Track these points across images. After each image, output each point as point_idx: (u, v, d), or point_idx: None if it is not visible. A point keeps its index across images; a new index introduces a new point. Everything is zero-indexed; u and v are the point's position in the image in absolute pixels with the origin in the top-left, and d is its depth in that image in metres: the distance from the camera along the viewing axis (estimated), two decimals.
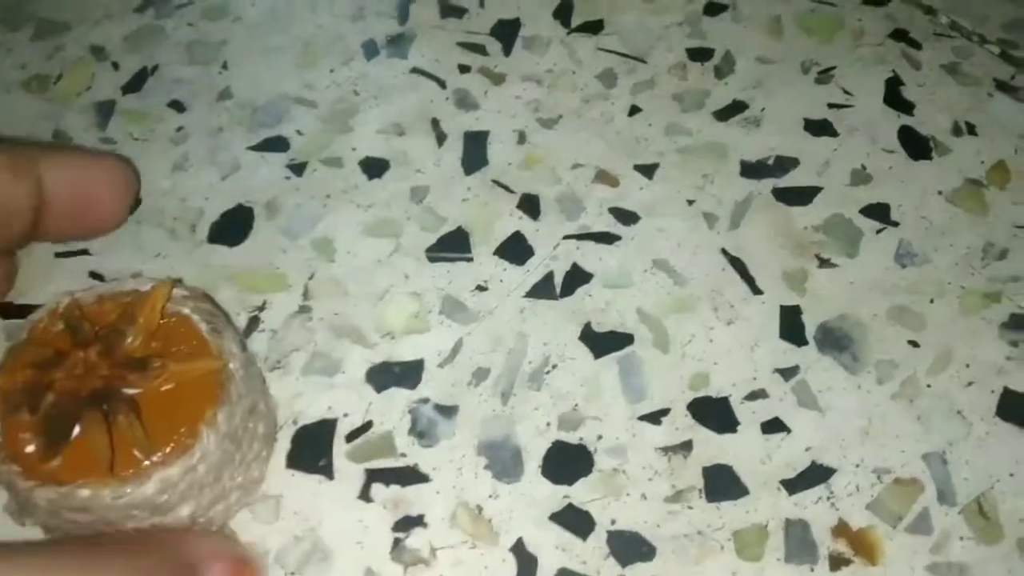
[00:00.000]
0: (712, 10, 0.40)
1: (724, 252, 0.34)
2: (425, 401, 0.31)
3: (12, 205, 0.27)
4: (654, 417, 0.30)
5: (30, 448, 0.25)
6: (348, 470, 0.30)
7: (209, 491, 0.26)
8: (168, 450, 0.25)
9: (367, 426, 0.30)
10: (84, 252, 0.34)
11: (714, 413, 0.30)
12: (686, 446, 0.30)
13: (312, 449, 0.30)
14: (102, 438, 0.25)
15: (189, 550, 0.23)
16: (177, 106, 0.38)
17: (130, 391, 0.26)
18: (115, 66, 0.39)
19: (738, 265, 0.33)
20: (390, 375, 0.31)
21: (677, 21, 0.40)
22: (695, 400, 0.31)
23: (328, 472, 0.29)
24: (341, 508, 0.29)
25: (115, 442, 0.25)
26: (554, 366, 0.31)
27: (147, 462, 0.25)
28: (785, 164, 0.36)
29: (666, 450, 0.30)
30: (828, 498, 0.29)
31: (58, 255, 0.34)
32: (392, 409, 0.31)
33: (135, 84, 0.38)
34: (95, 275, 0.34)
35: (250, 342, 0.32)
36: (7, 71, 0.39)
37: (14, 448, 0.25)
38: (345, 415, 0.31)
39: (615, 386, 0.31)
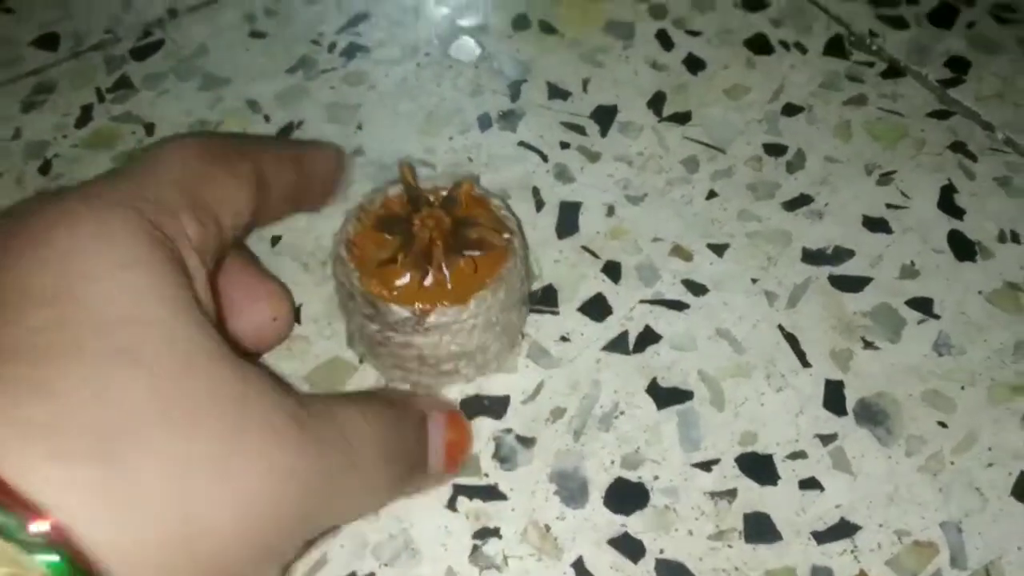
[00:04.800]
0: (789, 111, 0.45)
1: (780, 328, 0.38)
2: (509, 431, 0.36)
3: (239, 206, 0.28)
4: (706, 465, 0.35)
5: (402, 281, 0.35)
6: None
7: (478, 335, 0.35)
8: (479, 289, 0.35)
9: None
10: None
11: (759, 467, 0.35)
12: (731, 493, 0.34)
13: None
14: (448, 273, 0.35)
15: (420, 403, 0.30)
16: None
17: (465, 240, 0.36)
18: (266, 119, 0.46)
19: (792, 340, 0.38)
20: (480, 406, 0.36)
21: (757, 118, 0.45)
22: (743, 454, 0.35)
23: None
24: (430, 515, 0.34)
25: (452, 278, 0.35)
26: (622, 412, 0.36)
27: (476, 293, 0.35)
28: (842, 254, 0.40)
29: (713, 495, 0.34)
30: (852, 551, 0.33)
31: None
32: (480, 435, 0.36)
33: (283, 135, 0.45)
34: None
35: (363, 368, 0.37)
36: (175, 115, 0.46)
37: (387, 281, 0.35)
38: None
39: (673, 435, 0.35)
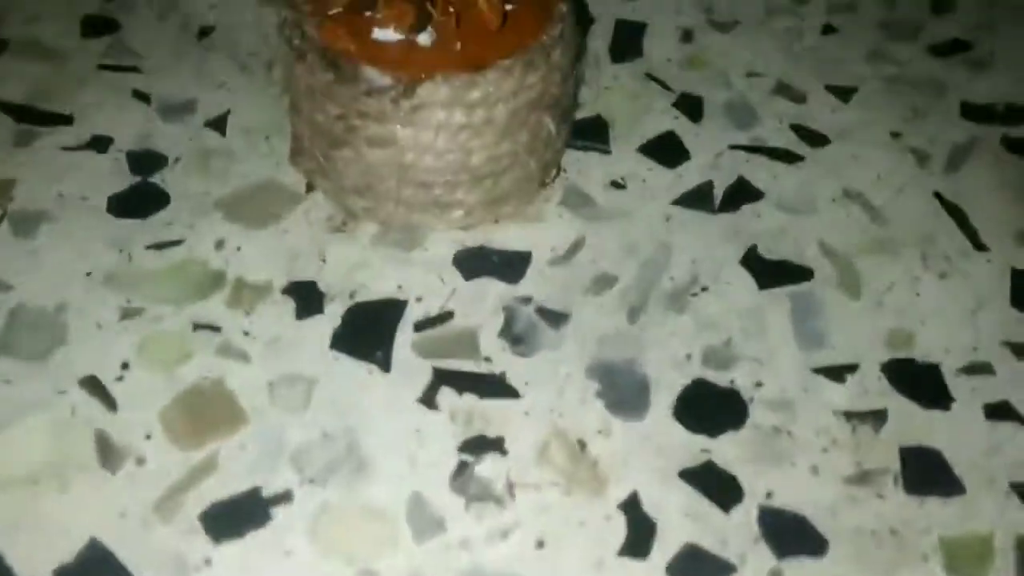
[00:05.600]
0: None
1: (938, 196, 0.26)
2: (527, 301, 0.23)
3: None
4: (836, 372, 0.22)
5: (384, 35, 0.22)
6: (411, 365, 0.22)
7: (492, 139, 0.23)
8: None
9: (446, 316, 0.23)
10: (133, 69, 0.28)
11: (919, 380, 0.22)
12: (879, 416, 0.21)
13: (367, 332, 0.22)
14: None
15: None
16: None
17: None
18: None
19: (956, 213, 0.25)
20: (485, 263, 0.24)
21: None
22: (893, 361, 0.22)
23: (384, 363, 0.22)
24: (394, 410, 0.21)
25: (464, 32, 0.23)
26: (704, 288, 0.23)
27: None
28: (1019, 114, 0.28)
29: (850, 416, 0.21)
30: None
31: (102, 67, 0.28)
32: (482, 302, 0.23)
33: None
34: (139, 94, 0.27)
35: (311, 198, 0.25)
36: None
37: (360, 32, 0.23)
38: (418, 299, 0.23)
39: (785, 326, 0.23)
